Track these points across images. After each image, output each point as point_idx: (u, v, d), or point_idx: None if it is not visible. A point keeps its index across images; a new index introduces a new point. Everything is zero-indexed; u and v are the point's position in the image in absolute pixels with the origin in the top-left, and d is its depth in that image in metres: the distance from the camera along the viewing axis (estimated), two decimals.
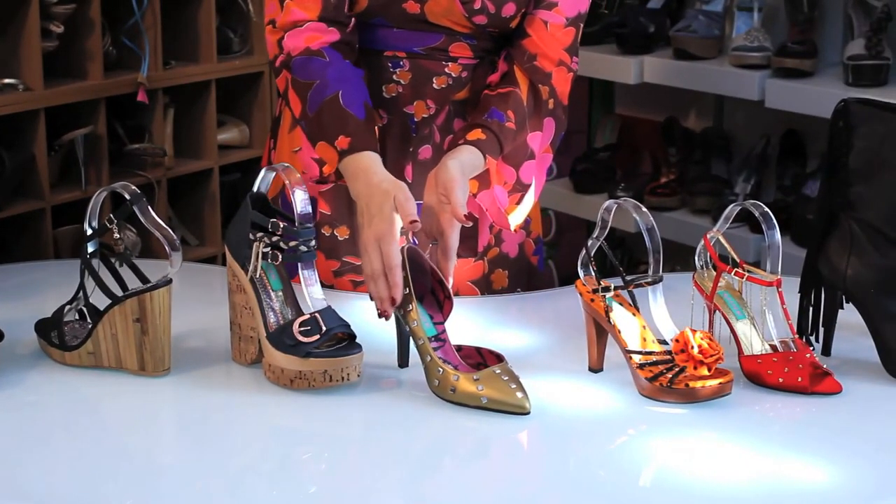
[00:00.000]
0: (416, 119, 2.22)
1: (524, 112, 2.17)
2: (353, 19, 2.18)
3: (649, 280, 1.94)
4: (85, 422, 1.83)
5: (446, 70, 2.22)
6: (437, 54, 2.20)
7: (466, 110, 2.24)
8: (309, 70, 2.13)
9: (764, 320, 1.95)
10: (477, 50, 2.22)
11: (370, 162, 2.05)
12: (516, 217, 2.23)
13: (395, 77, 2.21)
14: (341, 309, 1.90)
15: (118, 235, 1.94)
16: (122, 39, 3.37)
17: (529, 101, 2.19)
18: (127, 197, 1.89)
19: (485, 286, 2.32)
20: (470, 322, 2.10)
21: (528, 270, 2.38)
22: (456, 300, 1.93)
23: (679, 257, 3.41)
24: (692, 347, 1.82)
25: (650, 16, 3.64)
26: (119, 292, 1.93)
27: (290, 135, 2.31)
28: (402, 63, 2.20)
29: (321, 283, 2.12)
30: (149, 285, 1.90)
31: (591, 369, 1.96)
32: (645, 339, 1.91)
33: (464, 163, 2.07)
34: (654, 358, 1.87)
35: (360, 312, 2.07)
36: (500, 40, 2.24)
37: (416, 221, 1.92)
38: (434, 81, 2.22)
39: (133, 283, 1.94)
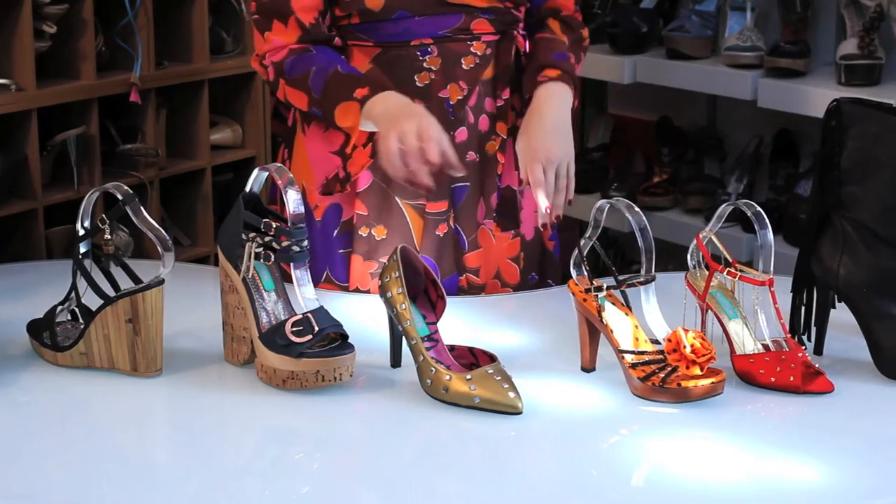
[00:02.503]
0: (451, 102, 2.25)
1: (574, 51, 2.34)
2: (335, 38, 2.24)
3: (642, 280, 1.94)
4: (77, 422, 1.82)
5: (472, 49, 2.25)
6: (461, 34, 2.24)
7: (497, 87, 2.28)
8: (300, 65, 2.20)
9: (756, 320, 1.95)
10: (497, 24, 2.26)
11: (398, 97, 2.13)
12: None
13: (425, 65, 2.24)
14: (334, 309, 1.90)
15: (108, 236, 1.93)
16: (115, 39, 3.36)
17: (573, 42, 2.34)
18: (119, 197, 1.89)
19: (518, 265, 2.36)
20: (462, 322, 2.10)
21: (543, 255, 2.40)
22: (449, 300, 1.93)
23: (672, 257, 3.41)
24: (684, 347, 1.82)
25: (643, 16, 3.64)
26: (111, 293, 1.93)
27: (306, 136, 2.31)
28: (430, 49, 2.23)
29: (357, 287, 2.15)
30: (141, 286, 1.90)
31: (583, 369, 1.96)
32: (637, 339, 1.91)
33: (557, 111, 2.22)
34: (646, 357, 1.87)
35: (352, 312, 2.08)
36: (515, 12, 2.28)
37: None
38: (463, 62, 2.25)
39: (125, 283, 1.93)
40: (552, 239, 2.42)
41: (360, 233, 2.27)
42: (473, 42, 2.25)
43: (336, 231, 2.29)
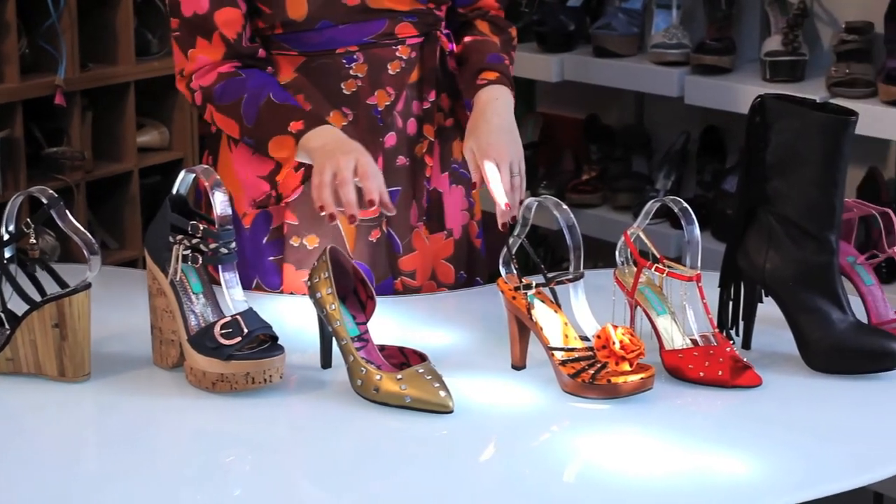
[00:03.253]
0: (379, 109, 2.24)
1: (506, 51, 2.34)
2: (259, 49, 2.21)
3: (570, 277, 1.95)
4: (4, 430, 1.80)
5: (397, 54, 2.24)
6: (386, 39, 2.23)
7: (422, 90, 2.27)
8: (230, 91, 2.17)
9: (684, 315, 1.96)
10: (420, 27, 2.25)
11: (333, 132, 2.13)
12: None
13: (352, 72, 2.22)
14: (263, 311, 1.89)
15: (34, 240, 1.92)
16: (39, 42, 3.33)
17: (504, 43, 2.34)
18: (44, 201, 1.87)
19: (455, 266, 2.36)
20: (392, 322, 2.09)
21: (471, 253, 2.40)
22: (378, 300, 1.93)
23: (602, 254, 3.42)
24: (614, 343, 1.83)
25: (570, 14, 3.65)
26: (37, 297, 1.91)
27: (232, 154, 2.29)
28: (355, 56, 2.22)
29: (292, 293, 2.14)
30: (67, 290, 1.88)
31: (513, 367, 1.96)
32: (567, 336, 1.92)
33: (502, 112, 2.22)
34: (576, 354, 1.88)
35: (281, 314, 2.07)
36: (438, 13, 2.28)
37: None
38: (389, 67, 2.24)
39: (52, 287, 1.92)
40: (479, 237, 2.42)
41: (291, 242, 2.25)
42: (398, 46, 2.24)
43: (266, 238, 2.27)
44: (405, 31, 2.24)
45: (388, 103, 2.24)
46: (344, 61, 2.22)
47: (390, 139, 2.25)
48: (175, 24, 2.20)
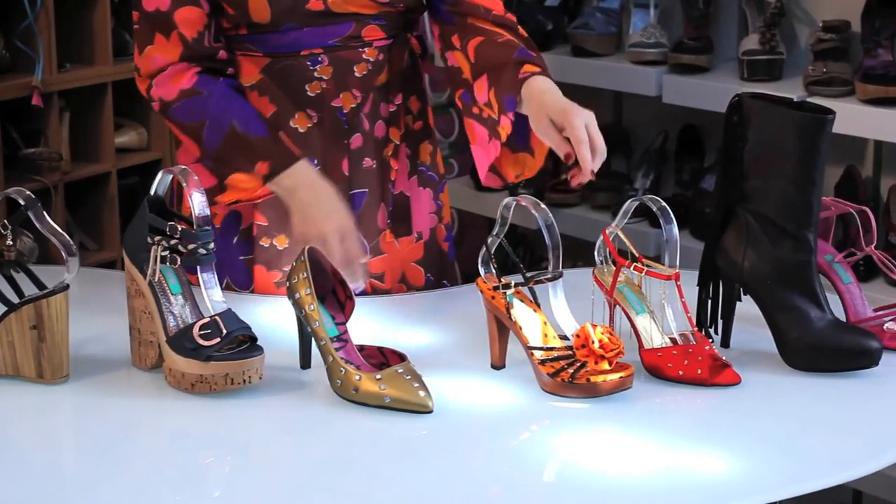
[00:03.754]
0: (345, 111, 2.23)
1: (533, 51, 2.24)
2: (220, 50, 2.19)
3: (549, 276, 1.95)
4: None
5: (364, 56, 2.22)
6: (352, 42, 2.21)
7: (389, 92, 2.25)
8: (192, 111, 2.16)
9: (663, 314, 1.97)
10: (388, 29, 2.23)
11: (306, 171, 2.13)
12: None
13: (316, 74, 2.21)
14: (242, 311, 1.89)
15: (11, 242, 1.91)
16: (15, 42, 3.32)
17: (521, 42, 2.24)
18: (21, 202, 1.87)
19: (425, 269, 2.35)
20: (372, 322, 2.09)
21: (439, 256, 2.39)
22: (357, 300, 1.92)
23: (580, 253, 3.42)
24: (593, 342, 1.83)
25: (548, 13, 3.66)
26: (15, 299, 1.90)
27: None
28: (320, 59, 2.20)
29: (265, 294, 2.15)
30: (45, 291, 1.88)
31: (493, 366, 1.96)
32: (546, 335, 1.92)
33: (560, 94, 2.13)
34: (555, 353, 1.88)
35: (260, 315, 2.07)
36: (408, 16, 2.26)
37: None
38: (355, 70, 2.22)
39: (30, 289, 1.91)
40: (447, 240, 2.40)
41: (261, 243, 2.24)
42: (365, 49, 2.22)
43: (236, 238, 2.27)
44: (372, 33, 2.22)
45: (353, 105, 2.23)
46: (308, 63, 2.20)
47: (356, 141, 2.24)
48: (136, 18, 2.19)
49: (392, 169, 2.28)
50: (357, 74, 2.22)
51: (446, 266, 2.41)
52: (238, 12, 2.16)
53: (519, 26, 2.27)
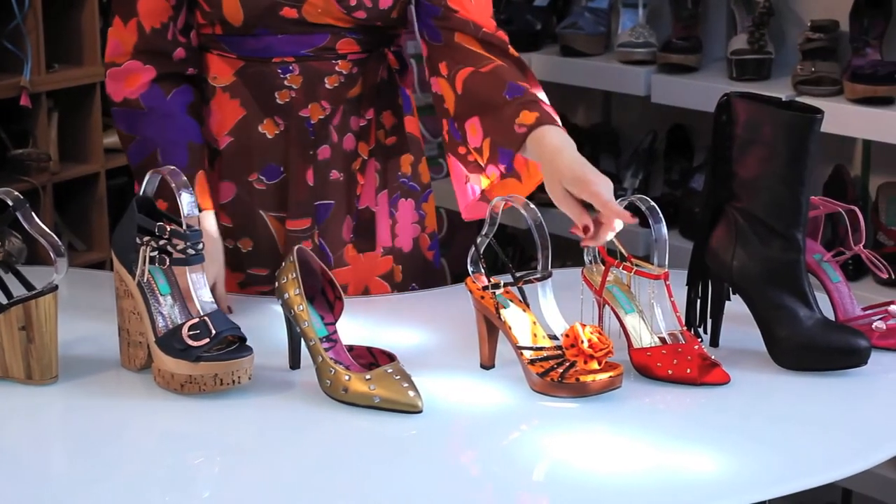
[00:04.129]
0: (312, 122, 2.21)
1: (523, 77, 2.15)
2: (179, 48, 2.18)
3: (538, 276, 1.95)
4: None
5: (337, 68, 2.20)
6: (326, 54, 2.19)
7: (361, 106, 2.23)
8: (127, 122, 2.17)
9: (652, 313, 1.97)
10: (364, 44, 2.21)
11: (208, 225, 2.12)
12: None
13: (286, 83, 2.19)
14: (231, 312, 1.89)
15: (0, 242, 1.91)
16: (3, 42, 3.31)
17: (513, 65, 2.17)
18: (10, 203, 1.86)
19: (390, 282, 2.32)
20: (361, 322, 2.09)
21: (423, 266, 2.38)
22: (347, 300, 1.92)
23: (570, 253, 3.42)
24: (582, 342, 1.83)
25: (537, 13, 3.66)
26: (3, 300, 1.90)
27: None
28: (291, 68, 2.19)
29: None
30: (34, 292, 1.87)
31: (482, 366, 1.96)
32: (535, 335, 1.92)
33: (572, 148, 1.99)
34: (544, 353, 1.88)
35: (250, 315, 2.06)
36: (387, 32, 2.24)
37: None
38: (326, 81, 2.20)
39: (18, 290, 1.91)
40: (431, 249, 2.39)
41: (225, 244, 2.22)
42: (339, 61, 2.20)
43: None
44: (347, 46, 2.20)
45: (322, 117, 2.21)
46: (279, 71, 2.19)
47: (324, 152, 2.22)
48: None
49: (358, 184, 2.26)
50: (328, 86, 2.20)
51: (432, 275, 2.39)
52: (213, 10, 2.16)
53: (509, 45, 2.20)
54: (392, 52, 2.25)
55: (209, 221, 2.14)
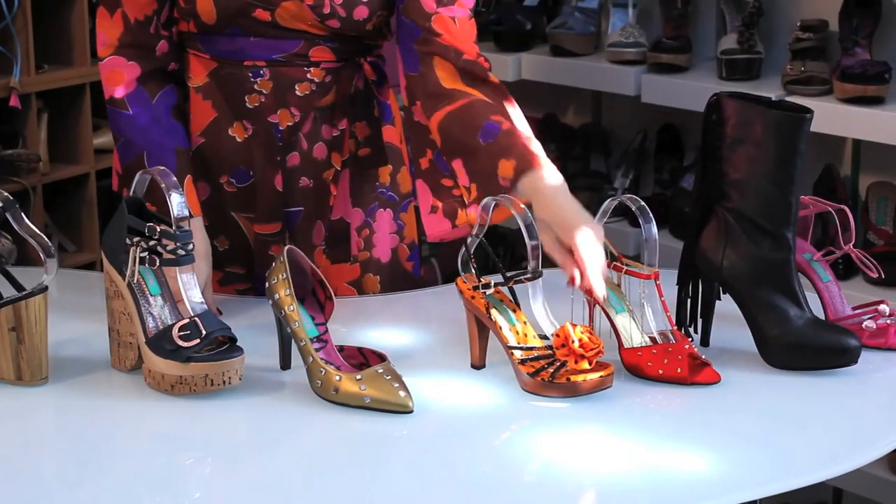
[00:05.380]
0: (280, 128, 2.19)
1: (498, 109, 2.12)
2: (162, 41, 2.18)
3: (529, 276, 1.95)
4: None
5: (308, 76, 2.18)
6: (298, 60, 2.17)
7: (334, 116, 2.22)
8: (115, 122, 2.17)
9: (643, 313, 1.97)
10: (339, 53, 2.19)
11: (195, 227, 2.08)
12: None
13: (256, 87, 2.17)
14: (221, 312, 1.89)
15: None
16: None
17: (490, 95, 2.14)
18: (0, 204, 1.86)
19: (359, 289, 2.31)
20: (351, 322, 2.09)
21: (402, 276, 2.35)
22: (337, 301, 1.92)
23: None
24: (573, 342, 1.83)
25: (527, 13, 3.66)
26: None
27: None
28: (262, 72, 2.17)
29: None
30: (24, 293, 1.87)
31: (473, 366, 1.96)
32: (526, 335, 1.92)
33: (557, 190, 1.98)
34: (535, 353, 1.88)
35: (240, 315, 2.06)
36: (363, 42, 2.21)
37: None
38: (297, 88, 2.18)
39: (8, 291, 1.90)
40: (410, 259, 2.36)
41: None
42: (311, 69, 2.18)
43: None
44: (321, 54, 2.17)
45: (290, 124, 2.19)
46: (250, 74, 2.17)
47: (293, 159, 2.21)
48: None
49: (331, 194, 2.24)
50: (298, 93, 2.18)
51: (411, 285, 2.36)
52: (187, 6, 2.14)
53: (489, 73, 2.17)
54: (368, 63, 2.23)
55: (197, 226, 2.12)
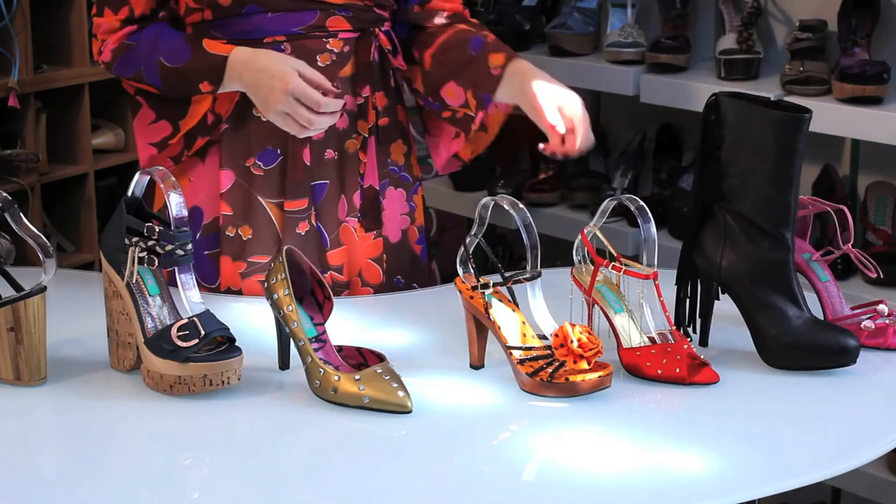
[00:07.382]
0: None
1: (483, 28, 2.36)
2: (163, 13, 2.24)
3: (527, 276, 1.95)
4: None
5: (328, 47, 2.22)
6: (316, 32, 2.21)
7: (356, 84, 2.25)
8: (127, 64, 2.21)
9: (642, 313, 1.97)
10: (355, 22, 2.23)
11: (238, 60, 2.15)
12: None
13: None
14: (220, 312, 1.89)
15: None
16: None
17: (474, 25, 2.37)
18: None
19: (381, 266, 2.32)
20: (350, 322, 2.09)
21: (410, 258, 2.38)
22: (336, 301, 1.92)
23: (559, 253, 3.42)
24: (571, 342, 1.83)
25: (525, 13, 3.66)
26: None
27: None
28: (283, 47, 2.20)
29: (228, 287, 2.12)
30: (22, 293, 1.87)
31: (472, 366, 1.96)
32: (525, 335, 1.92)
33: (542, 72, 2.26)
34: (534, 353, 1.88)
35: (238, 315, 2.06)
36: (376, 10, 2.25)
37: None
38: (318, 60, 2.21)
39: (7, 291, 1.90)
40: (419, 243, 2.39)
41: (227, 233, 2.25)
42: (330, 39, 2.22)
43: (199, 234, 2.27)
44: (337, 24, 2.22)
45: None
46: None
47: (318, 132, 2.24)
48: None
49: (361, 162, 2.27)
50: (320, 64, 2.22)
51: (418, 269, 2.39)
52: None
53: (466, 10, 2.38)
54: (383, 32, 2.28)
55: (237, 55, 2.15)
